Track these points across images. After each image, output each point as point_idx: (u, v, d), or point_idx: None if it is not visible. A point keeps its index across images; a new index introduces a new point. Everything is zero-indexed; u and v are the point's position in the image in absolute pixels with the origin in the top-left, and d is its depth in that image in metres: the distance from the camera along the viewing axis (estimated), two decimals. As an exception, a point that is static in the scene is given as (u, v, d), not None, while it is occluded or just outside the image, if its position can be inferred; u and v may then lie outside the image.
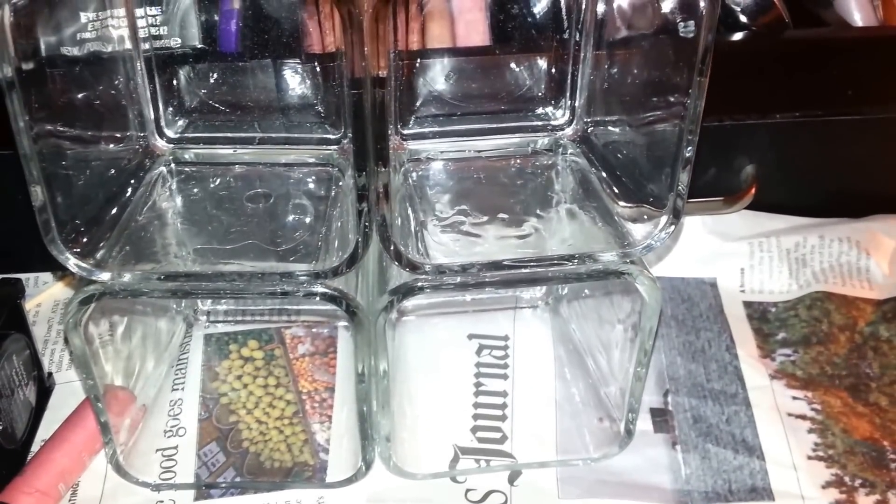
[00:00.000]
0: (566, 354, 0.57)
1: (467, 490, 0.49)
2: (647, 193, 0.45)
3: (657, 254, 0.62)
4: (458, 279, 0.41)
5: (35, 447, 0.51)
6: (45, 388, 0.54)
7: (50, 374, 0.55)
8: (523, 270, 0.42)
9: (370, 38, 0.36)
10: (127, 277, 0.40)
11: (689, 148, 0.40)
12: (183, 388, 0.54)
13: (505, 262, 0.42)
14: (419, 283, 0.41)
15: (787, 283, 0.62)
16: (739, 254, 0.63)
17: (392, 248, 0.40)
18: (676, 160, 0.41)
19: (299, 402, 0.54)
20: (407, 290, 0.42)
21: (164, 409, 0.53)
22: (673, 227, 0.41)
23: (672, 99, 0.41)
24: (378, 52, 0.37)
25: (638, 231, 0.44)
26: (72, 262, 0.39)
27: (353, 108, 0.38)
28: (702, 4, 0.37)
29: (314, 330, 0.58)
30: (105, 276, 0.40)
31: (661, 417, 0.53)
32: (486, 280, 0.42)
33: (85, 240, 0.42)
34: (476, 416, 0.53)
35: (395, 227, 0.40)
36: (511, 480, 0.50)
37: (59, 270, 0.61)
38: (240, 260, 0.44)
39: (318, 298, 0.41)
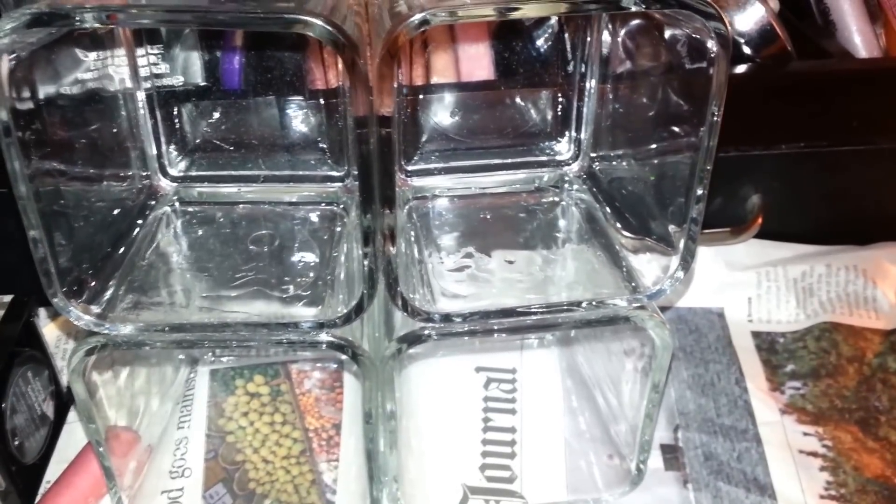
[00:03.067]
0: (575, 388, 0.56)
1: (476, 531, 0.49)
2: (656, 232, 0.44)
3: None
4: (466, 327, 0.41)
5: (52, 463, 0.51)
6: (63, 403, 0.54)
7: (68, 387, 0.54)
8: (532, 318, 0.41)
9: (376, 80, 0.35)
10: (130, 329, 0.40)
11: (701, 189, 0.40)
12: (189, 426, 0.53)
13: (513, 309, 0.41)
14: (426, 332, 0.41)
15: (794, 313, 0.62)
16: (747, 283, 0.62)
17: (399, 297, 0.39)
18: (688, 202, 0.40)
19: (306, 439, 0.53)
20: (414, 339, 0.41)
21: (169, 449, 0.52)
22: (684, 272, 0.41)
23: (681, 133, 0.41)
24: (383, 93, 0.36)
25: (646, 272, 0.44)
26: (75, 315, 0.39)
27: (357, 149, 0.37)
28: (711, 45, 0.37)
29: (320, 364, 0.57)
30: (109, 328, 0.40)
31: (671, 454, 0.53)
32: (495, 328, 0.41)
33: (88, 287, 0.41)
34: (485, 454, 0.53)
35: (401, 274, 0.40)
36: (520, 521, 0.49)
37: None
38: (244, 306, 0.43)
39: (324, 347, 0.41)
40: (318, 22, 0.33)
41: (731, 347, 0.60)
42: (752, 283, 0.62)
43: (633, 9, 0.35)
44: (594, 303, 0.42)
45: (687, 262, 0.41)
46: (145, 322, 0.41)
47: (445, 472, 0.51)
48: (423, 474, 0.51)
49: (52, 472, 0.51)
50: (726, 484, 0.51)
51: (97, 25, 0.34)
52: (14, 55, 0.34)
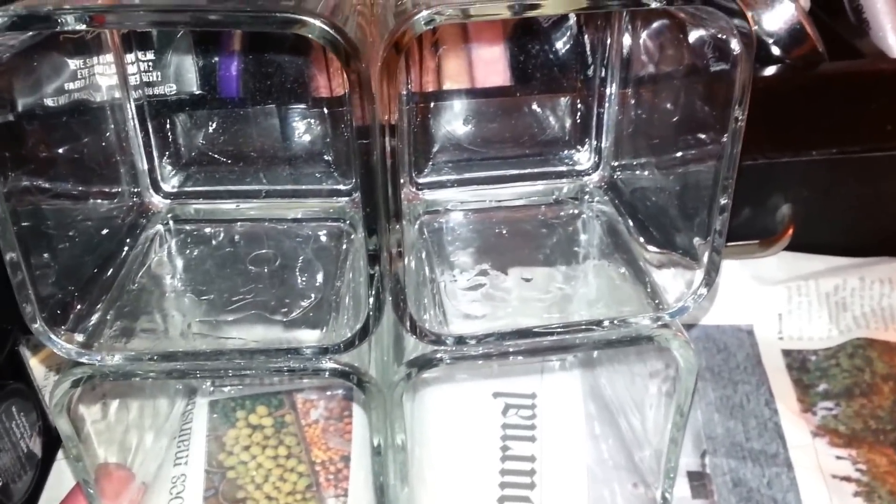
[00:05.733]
0: (597, 412, 0.53)
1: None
2: (681, 245, 0.41)
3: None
4: (481, 350, 0.38)
5: (42, 501, 0.48)
6: (51, 439, 0.50)
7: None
8: (550, 338, 0.38)
9: (379, 85, 0.32)
10: (118, 359, 0.37)
11: (725, 198, 0.37)
12: (186, 462, 0.50)
13: (530, 330, 0.38)
14: (438, 355, 0.38)
15: (826, 329, 0.58)
16: (776, 298, 0.59)
17: (408, 319, 0.36)
18: (711, 212, 0.37)
19: (312, 473, 0.50)
20: (425, 363, 0.38)
21: (165, 487, 0.49)
22: (708, 287, 0.38)
23: (706, 140, 0.38)
24: (387, 99, 0.33)
25: (671, 288, 0.41)
26: (57, 344, 0.36)
27: (361, 161, 0.34)
28: (734, 45, 0.34)
29: (327, 392, 0.54)
30: (95, 357, 0.36)
31: (699, 481, 0.49)
32: (511, 351, 0.38)
33: (72, 313, 0.38)
34: (503, 485, 0.49)
35: (411, 294, 0.36)
36: (540, 555, 0.46)
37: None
38: (243, 332, 0.40)
39: (327, 375, 0.37)
40: (316, 22, 0.30)
41: (760, 367, 0.56)
42: (782, 299, 0.59)
43: (654, 5, 0.33)
44: (615, 322, 0.38)
45: (711, 277, 0.38)
46: (134, 351, 0.37)
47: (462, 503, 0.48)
48: (438, 505, 0.48)
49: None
50: (757, 513, 0.48)
51: (80, 28, 0.31)
52: None
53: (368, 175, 0.34)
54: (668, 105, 0.43)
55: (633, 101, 0.46)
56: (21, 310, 0.35)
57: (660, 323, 0.39)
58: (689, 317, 0.58)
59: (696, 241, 0.38)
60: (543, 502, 0.48)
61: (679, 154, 0.41)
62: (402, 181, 0.34)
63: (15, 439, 0.47)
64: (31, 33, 0.32)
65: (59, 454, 0.51)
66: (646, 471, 0.48)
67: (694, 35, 0.39)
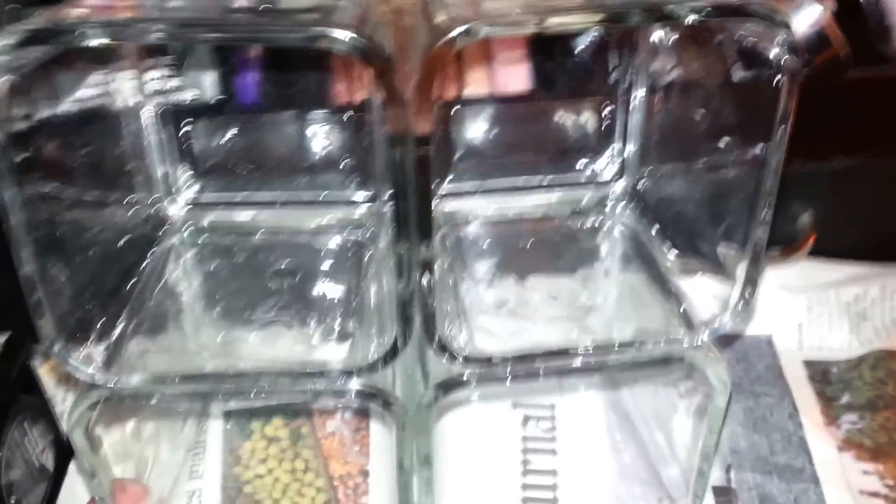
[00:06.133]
0: (619, 424, 0.52)
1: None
2: (711, 258, 0.40)
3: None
4: (510, 371, 0.37)
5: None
6: (63, 451, 0.49)
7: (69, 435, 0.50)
8: (580, 359, 0.37)
9: (415, 100, 0.31)
10: (137, 380, 0.36)
11: (767, 208, 0.35)
12: (202, 477, 0.49)
13: (563, 351, 0.37)
14: (467, 377, 0.37)
15: (847, 340, 0.57)
16: (796, 308, 0.58)
17: (436, 340, 0.35)
18: (752, 222, 0.36)
19: (331, 488, 0.49)
20: (454, 385, 0.37)
21: (181, 502, 0.48)
22: (747, 304, 0.37)
23: (740, 148, 0.37)
24: (422, 112, 0.32)
25: (702, 304, 0.40)
26: (76, 368, 0.35)
27: (392, 172, 0.33)
28: (777, 54, 0.33)
29: (344, 403, 0.53)
30: (114, 380, 0.35)
31: (724, 497, 0.49)
32: (542, 372, 0.37)
33: (89, 333, 0.37)
34: (525, 500, 0.48)
35: (440, 313, 0.35)
36: (563, 572, 0.45)
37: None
38: (265, 349, 0.39)
39: (353, 396, 0.36)
40: (348, 36, 0.29)
41: (782, 378, 0.55)
42: (801, 308, 0.58)
43: (689, 20, 0.32)
44: (647, 343, 0.37)
45: (749, 293, 0.37)
46: (154, 372, 0.36)
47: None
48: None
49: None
50: (783, 529, 0.47)
51: (102, 42, 0.29)
52: (12, 74, 0.30)
53: (399, 187, 0.33)
54: (700, 112, 0.42)
55: (660, 108, 0.45)
56: (38, 330, 0.34)
57: (695, 344, 0.38)
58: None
59: (731, 254, 0.37)
60: (566, 518, 0.48)
61: (712, 163, 0.40)
62: (432, 200, 0.33)
63: (27, 454, 0.46)
64: (52, 48, 0.31)
65: (71, 467, 0.50)
66: (672, 487, 0.47)
67: (728, 39, 0.38)
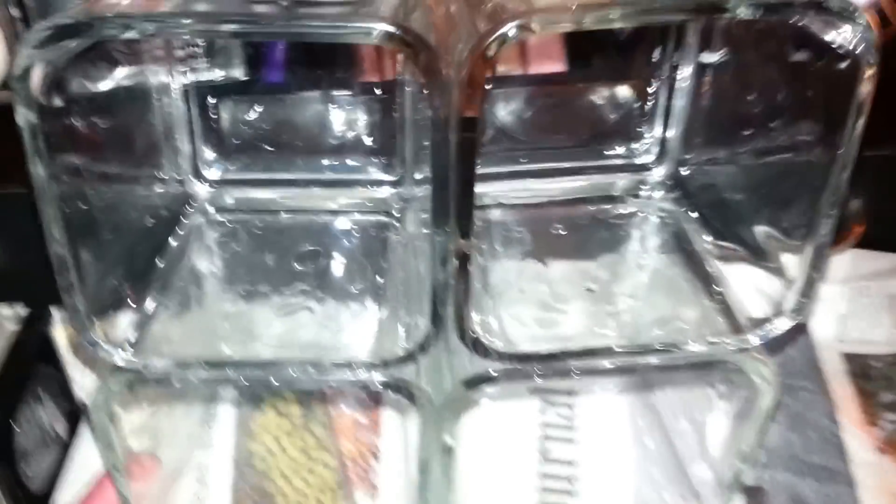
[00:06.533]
0: (642, 415, 0.51)
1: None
2: (761, 251, 0.38)
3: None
4: (543, 369, 0.35)
5: (64, 486, 0.47)
6: (76, 420, 0.50)
7: (84, 405, 0.50)
8: (619, 359, 0.36)
9: (464, 88, 0.29)
10: (164, 365, 0.35)
11: (835, 202, 0.33)
12: (214, 450, 0.48)
13: (600, 350, 0.35)
14: (499, 373, 0.35)
15: (890, 334, 0.55)
16: (837, 299, 0.56)
17: (469, 336, 0.34)
18: (816, 216, 0.33)
19: (342, 467, 0.48)
20: (484, 381, 0.36)
21: (193, 475, 0.47)
22: (805, 308, 0.34)
23: (798, 135, 0.35)
24: (474, 99, 0.30)
25: (749, 299, 0.38)
26: (106, 352, 0.34)
27: (435, 157, 0.31)
28: (850, 44, 0.31)
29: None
30: (141, 364, 0.35)
31: (754, 498, 0.47)
32: (575, 371, 0.36)
33: (117, 310, 0.36)
34: (543, 490, 0.47)
35: (473, 307, 0.34)
36: (584, 565, 0.44)
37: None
38: (290, 335, 0.38)
39: (379, 388, 0.35)
40: (389, 30, 0.28)
41: (819, 372, 0.53)
42: (843, 299, 0.56)
43: (743, 14, 0.30)
44: (691, 345, 0.36)
45: (810, 293, 0.34)
46: (179, 356, 0.36)
47: (500, 509, 0.47)
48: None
49: (63, 499, 0.47)
50: (815, 531, 0.45)
51: (136, 36, 0.28)
52: (46, 66, 0.29)
53: (440, 172, 0.31)
54: (752, 96, 0.40)
55: (707, 90, 0.43)
56: (67, 313, 0.33)
57: (742, 347, 0.36)
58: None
59: (786, 249, 0.35)
60: (587, 510, 0.46)
61: (763, 150, 0.37)
62: (474, 189, 0.31)
63: (42, 423, 0.46)
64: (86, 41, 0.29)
65: (84, 435, 0.50)
66: (699, 484, 0.46)
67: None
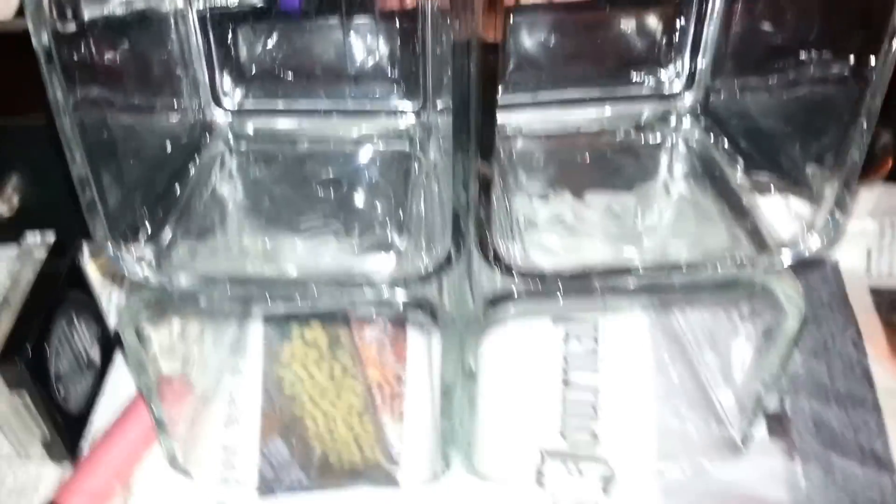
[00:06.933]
0: (666, 342, 0.51)
1: (555, 500, 0.44)
2: (792, 177, 0.37)
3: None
4: (567, 288, 0.35)
5: (99, 411, 0.48)
6: (110, 346, 0.51)
7: (117, 332, 0.51)
8: (644, 279, 0.35)
9: (485, 5, 0.29)
10: (187, 281, 0.35)
11: (868, 126, 0.33)
12: (244, 375, 0.49)
13: (625, 269, 0.35)
14: (521, 292, 0.35)
15: (918, 268, 0.55)
16: (867, 233, 0.55)
17: (492, 253, 0.34)
18: (846, 140, 0.33)
19: (368, 393, 0.49)
20: (507, 299, 0.36)
21: (224, 399, 0.48)
22: (835, 228, 0.34)
23: (834, 60, 0.34)
24: (496, 19, 0.30)
25: (780, 225, 0.37)
26: (128, 266, 0.34)
27: (456, 81, 0.31)
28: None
29: (382, 313, 0.52)
30: (165, 280, 0.35)
31: (777, 422, 0.47)
32: (599, 289, 0.35)
33: (140, 234, 0.37)
34: (565, 415, 0.48)
35: (496, 226, 0.34)
36: (605, 489, 0.45)
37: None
38: (311, 257, 0.38)
39: (401, 307, 0.36)
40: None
41: (846, 305, 0.53)
42: (873, 233, 0.56)
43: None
44: (718, 265, 0.35)
45: (838, 217, 0.34)
46: (204, 274, 0.36)
47: (521, 434, 0.47)
48: (496, 436, 0.46)
49: (99, 421, 0.48)
50: (839, 457, 0.45)
51: None
52: None
53: (461, 96, 0.31)
54: (786, 22, 0.39)
55: (739, 16, 0.42)
56: (90, 230, 0.34)
57: (772, 267, 0.36)
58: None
59: (817, 172, 0.35)
60: (607, 435, 0.47)
61: (802, 75, 0.36)
62: (496, 113, 0.31)
63: (76, 347, 0.47)
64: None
65: (117, 361, 0.51)
66: (722, 409, 0.46)
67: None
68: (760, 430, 0.47)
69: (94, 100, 0.34)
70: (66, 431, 0.45)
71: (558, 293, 0.36)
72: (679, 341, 0.51)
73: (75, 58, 0.32)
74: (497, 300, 0.36)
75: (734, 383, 0.45)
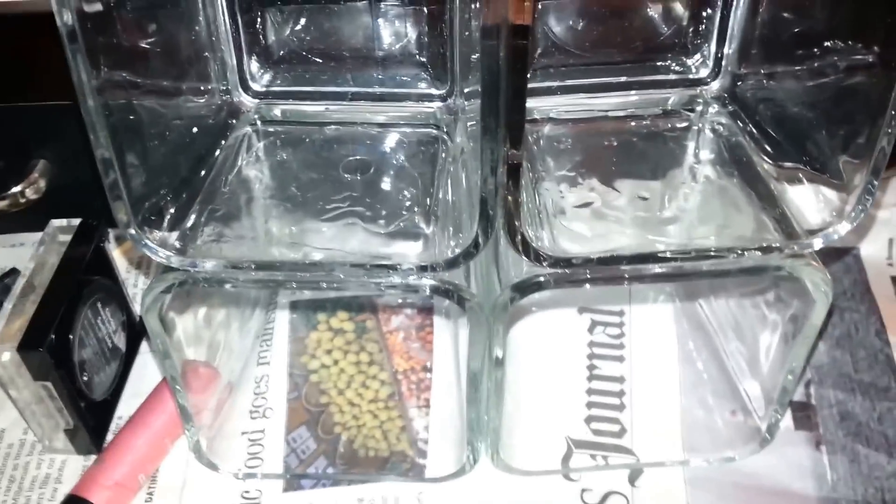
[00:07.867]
0: (692, 333, 0.51)
1: (583, 490, 0.44)
2: (819, 163, 0.37)
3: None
4: (596, 274, 0.35)
5: (124, 398, 0.48)
6: (135, 333, 0.50)
7: (141, 317, 0.51)
8: (672, 263, 0.35)
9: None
10: (212, 265, 0.35)
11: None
12: (270, 363, 0.49)
13: (653, 255, 0.35)
14: (549, 279, 0.35)
15: (942, 258, 0.54)
16: (888, 222, 0.55)
17: (519, 239, 0.34)
18: (875, 127, 0.32)
19: (394, 382, 0.49)
20: (534, 286, 0.36)
21: (250, 387, 0.48)
22: (863, 213, 0.34)
23: (864, 47, 0.34)
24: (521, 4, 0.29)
25: (807, 211, 0.37)
26: (151, 249, 0.34)
27: (485, 64, 0.31)
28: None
29: (409, 299, 0.52)
30: (190, 264, 0.35)
31: (802, 412, 0.47)
32: (627, 276, 0.35)
33: (164, 217, 0.37)
34: (591, 405, 0.48)
35: (524, 212, 0.34)
36: (632, 480, 0.45)
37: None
38: (337, 241, 0.38)
39: (427, 292, 0.35)
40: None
41: (869, 294, 0.53)
42: (894, 223, 0.55)
43: None
44: (746, 250, 0.35)
45: (866, 202, 0.34)
46: (228, 258, 0.36)
47: (548, 425, 0.47)
48: (523, 427, 0.46)
49: (124, 409, 0.48)
50: (865, 447, 0.45)
51: None
52: None
53: (491, 80, 0.31)
54: (817, 7, 0.38)
55: (767, 1, 0.41)
56: (113, 212, 0.34)
57: (798, 252, 0.35)
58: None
59: (845, 159, 0.34)
60: (633, 424, 0.47)
61: (829, 62, 0.36)
62: (526, 99, 0.31)
63: (100, 334, 0.47)
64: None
65: (142, 348, 0.51)
66: (748, 399, 0.46)
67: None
68: (786, 420, 0.46)
69: (119, 82, 0.34)
70: (90, 420, 0.45)
71: (586, 279, 0.35)
72: (704, 331, 0.50)
73: (100, 38, 0.32)
74: (525, 286, 0.36)
75: (760, 373, 0.44)
